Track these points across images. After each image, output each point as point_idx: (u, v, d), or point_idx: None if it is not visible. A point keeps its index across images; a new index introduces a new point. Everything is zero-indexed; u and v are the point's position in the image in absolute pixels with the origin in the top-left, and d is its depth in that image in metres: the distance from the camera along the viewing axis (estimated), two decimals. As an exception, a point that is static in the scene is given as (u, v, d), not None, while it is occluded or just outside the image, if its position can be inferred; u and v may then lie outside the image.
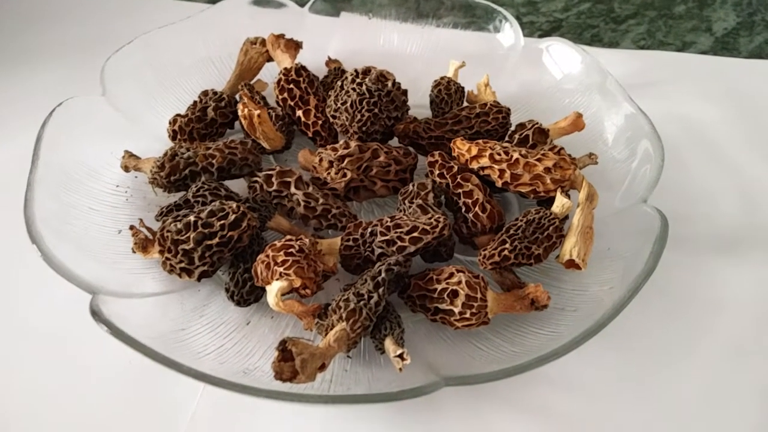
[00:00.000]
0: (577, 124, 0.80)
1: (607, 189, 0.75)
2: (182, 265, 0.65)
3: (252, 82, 0.91)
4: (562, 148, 0.72)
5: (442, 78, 0.90)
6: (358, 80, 0.78)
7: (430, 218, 0.66)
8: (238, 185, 0.76)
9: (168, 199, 0.74)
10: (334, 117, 0.80)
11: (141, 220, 0.69)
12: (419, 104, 0.91)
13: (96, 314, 0.56)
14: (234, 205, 0.65)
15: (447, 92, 0.88)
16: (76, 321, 0.64)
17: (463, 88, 0.90)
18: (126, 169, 0.78)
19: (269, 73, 0.94)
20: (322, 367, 0.55)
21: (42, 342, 0.68)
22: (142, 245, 0.68)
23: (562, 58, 0.93)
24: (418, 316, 0.66)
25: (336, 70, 0.95)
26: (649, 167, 0.75)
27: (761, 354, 0.69)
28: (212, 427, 0.62)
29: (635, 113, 0.81)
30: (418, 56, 1.03)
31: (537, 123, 0.79)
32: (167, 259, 0.65)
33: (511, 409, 0.63)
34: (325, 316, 0.61)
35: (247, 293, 0.66)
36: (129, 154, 0.78)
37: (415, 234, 0.65)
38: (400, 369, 0.57)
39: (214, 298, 0.69)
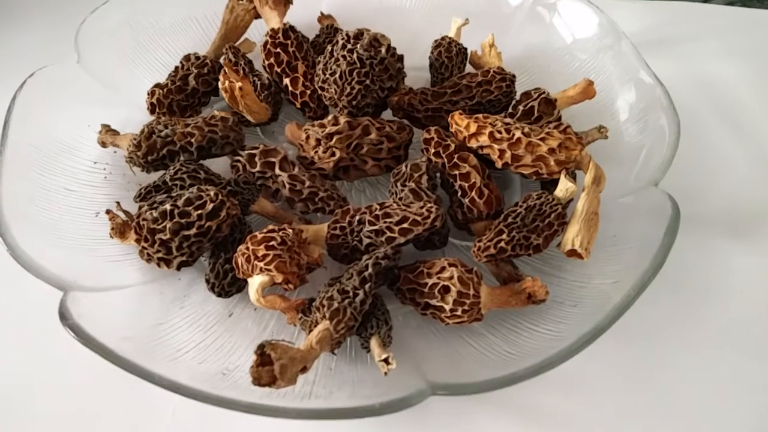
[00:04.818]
0: (587, 92, 0.74)
1: (617, 165, 0.70)
2: (160, 255, 0.61)
3: (238, 43, 0.85)
4: (568, 126, 0.67)
5: (443, 38, 0.83)
6: (349, 46, 0.72)
7: (421, 207, 0.61)
8: (220, 163, 0.71)
9: (150, 177, 0.70)
10: (322, 89, 0.74)
11: (118, 203, 0.65)
12: (418, 66, 0.84)
13: (64, 317, 0.53)
14: (212, 192, 0.61)
15: (447, 55, 0.82)
16: (52, 313, 0.62)
17: (465, 49, 0.84)
18: (103, 144, 0.73)
19: (257, 32, 0.87)
20: (304, 370, 0.53)
21: (18, 336, 0.66)
22: (120, 230, 0.64)
23: (573, 18, 0.86)
24: (408, 308, 0.63)
25: (329, 27, 0.88)
26: (664, 146, 0.69)
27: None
28: (195, 420, 0.60)
29: (652, 83, 0.74)
30: (418, 12, 0.95)
31: (543, 92, 0.73)
32: (144, 248, 0.62)
33: (505, 411, 0.60)
34: (309, 311, 0.58)
35: (228, 284, 0.63)
36: (106, 129, 0.73)
37: (405, 225, 0.60)
38: (386, 373, 0.54)
39: (195, 287, 0.66)
